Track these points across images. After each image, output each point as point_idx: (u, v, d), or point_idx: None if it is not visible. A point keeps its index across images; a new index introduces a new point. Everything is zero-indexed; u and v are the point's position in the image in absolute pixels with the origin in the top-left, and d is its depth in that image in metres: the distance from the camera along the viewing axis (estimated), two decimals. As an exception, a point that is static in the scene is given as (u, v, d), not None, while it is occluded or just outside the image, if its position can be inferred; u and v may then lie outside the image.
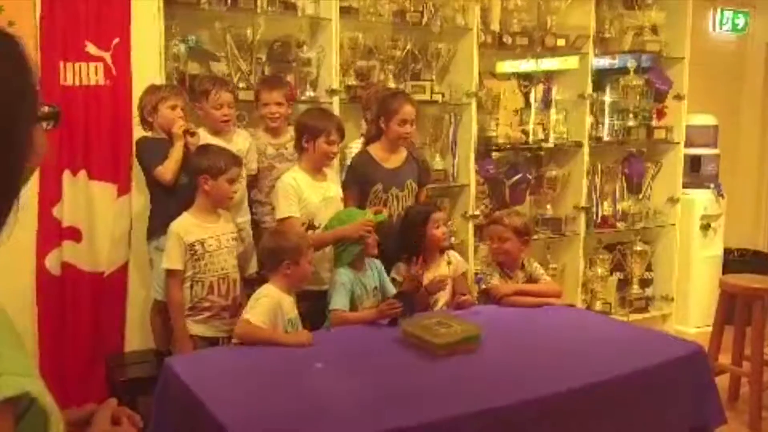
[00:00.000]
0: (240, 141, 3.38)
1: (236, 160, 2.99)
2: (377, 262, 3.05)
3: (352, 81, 3.95)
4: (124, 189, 3.36)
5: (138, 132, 3.27)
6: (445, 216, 3.18)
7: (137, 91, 3.28)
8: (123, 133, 3.32)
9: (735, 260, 5.39)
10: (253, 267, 3.30)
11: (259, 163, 3.44)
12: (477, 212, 4.27)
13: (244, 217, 3.37)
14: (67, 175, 3.27)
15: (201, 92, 3.28)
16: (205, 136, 3.27)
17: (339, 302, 2.88)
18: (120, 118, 3.32)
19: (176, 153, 3.08)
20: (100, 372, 3.37)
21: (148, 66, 3.31)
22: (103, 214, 3.34)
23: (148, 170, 3.14)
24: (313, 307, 3.02)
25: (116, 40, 3.30)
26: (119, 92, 3.32)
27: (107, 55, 3.30)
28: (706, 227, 5.18)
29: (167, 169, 3.07)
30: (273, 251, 2.73)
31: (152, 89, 3.20)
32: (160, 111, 3.14)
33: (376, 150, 3.38)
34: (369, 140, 3.44)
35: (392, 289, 3.02)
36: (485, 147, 4.42)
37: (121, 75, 3.32)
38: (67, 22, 3.21)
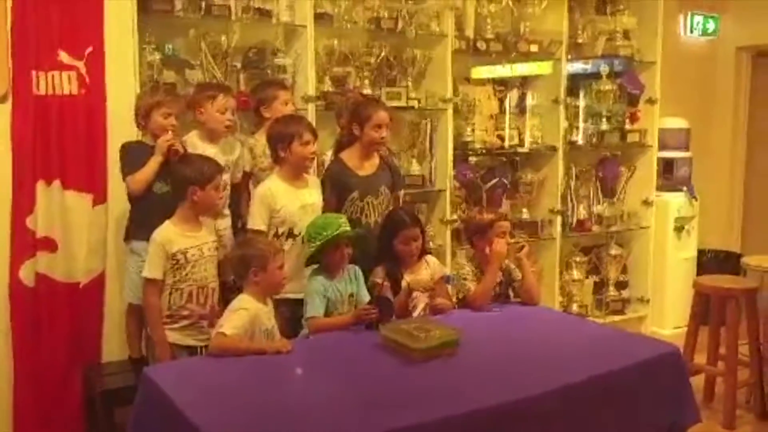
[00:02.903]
0: (228, 150, 3.36)
1: (219, 167, 2.98)
2: (356, 268, 3.04)
3: (328, 87, 3.96)
4: (100, 198, 3.33)
5: (113, 140, 3.26)
6: (416, 234, 3.14)
7: (112, 99, 3.27)
8: (98, 142, 3.30)
9: (709, 261, 5.47)
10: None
11: (260, 164, 3.44)
12: (454, 217, 4.29)
13: (226, 223, 3.37)
14: (40, 185, 3.23)
15: (207, 96, 3.24)
16: (195, 143, 3.25)
17: (313, 310, 2.87)
18: (95, 127, 3.30)
19: (151, 165, 3.06)
20: (77, 383, 3.34)
21: (122, 74, 3.29)
22: (78, 224, 3.31)
23: (123, 176, 3.13)
24: (293, 315, 3.01)
25: (89, 49, 3.28)
26: (94, 101, 3.29)
27: (80, 64, 3.27)
28: (680, 229, 5.25)
29: (136, 180, 3.06)
30: (240, 260, 2.75)
31: (149, 92, 3.19)
32: (152, 117, 3.11)
33: (349, 157, 3.38)
34: (341, 147, 3.45)
35: (366, 297, 3.01)
36: (462, 152, 4.45)
37: (95, 84, 3.29)
38: (39, 30, 3.18)
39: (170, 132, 3.12)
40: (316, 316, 2.87)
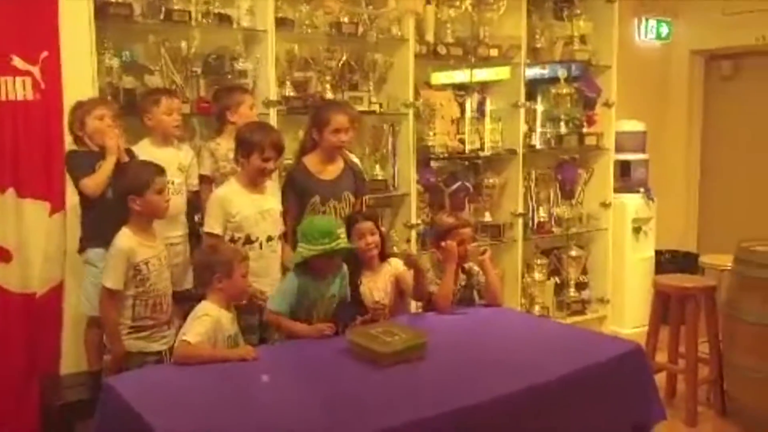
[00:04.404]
0: (182, 154, 3.38)
1: (158, 170, 2.93)
2: (344, 268, 2.99)
3: (289, 92, 3.94)
4: (57, 206, 3.26)
5: (70, 146, 3.19)
6: (370, 226, 3.12)
7: (69, 105, 3.20)
8: (55, 149, 3.23)
9: (666, 261, 5.57)
10: (189, 282, 3.25)
11: (222, 169, 3.43)
12: (418, 221, 4.30)
13: (181, 231, 3.34)
14: (-6, 193, 3.16)
15: (152, 101, 3.27)
16: (147, 148, 3.25)
17: (274, 304, 2.84)
18: (51, 133, 3.23)
19: (107, 166, 3.03)
20: (34, 396, 3.25)
21: (79, 80, 3.23)
22: (35, 233, 3.24)
23: (75, 182, 3.09)
24: (261, 320, 2.99)
25: (44, 54, 3.21)
26: (49, 107, 3.22)
27: (35, 69, 3.20)
28: (637, 230, 5.33)
29: (92, 182, 3.03)
30: (205, 265, 2.73)
31: (77, 104, 3.15)
32: (87, 123, 3.09)
33: (311, 162, 3.38)
34: (304, 152, 3.44)
35: (348, 295, 3.00)
36: (424, 156, 4.46)
37: (50, 89, 3.22)
38: (-9, 35, 3.11)
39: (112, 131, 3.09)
40: (277, 311, 2.83)
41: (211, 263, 2.70)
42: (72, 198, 3.21)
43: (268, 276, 3.09)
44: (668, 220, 5.82)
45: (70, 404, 3.06)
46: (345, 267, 3.00)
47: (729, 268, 3.92)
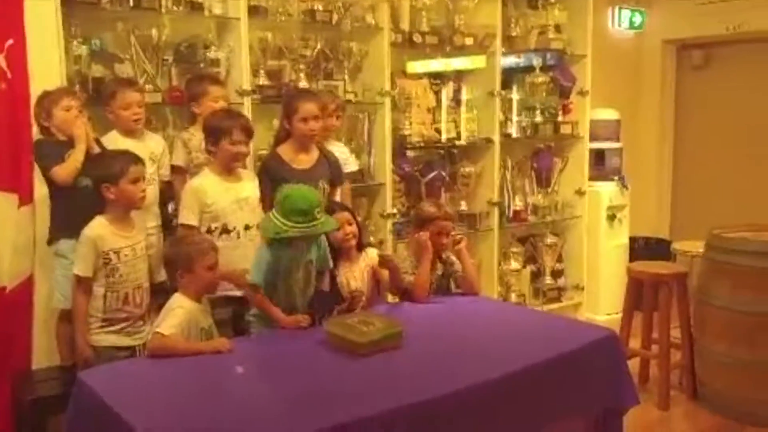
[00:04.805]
0: (153, 144, 3.34)
1: (133, 159, 2.89)
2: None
3: (263, 81, 3.90)
4: (26, 198, 3.18)
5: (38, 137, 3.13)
6: (347, 216, 3.10)
7: (36, 95, 3.13)
8: (22, 139, 3.15)
9: (640, 248, 5.62)
10: (163, 274, 3.21)
11: (196, 159, 3.39)
12: (394, 210, 4.29)
13: (154, 222, 3.30)
14: (-42, 186, 3.08)
15: (109, 95, 3.22)
16: (116, 139, 3.21)
17: (253, 277, 2.78)
18: (18, 123, 3.14)
19: (77, 155, 2.98)
20: (6, 391, 3.18)
21: (46, 69, 3.16)
22: (3, 226, 3.15)
23: (45, 171, 3.04)
24: (233, 312, 2.96)
25: (9, 42, 3.13)
26: (16, 97, 3.14)
27: (0, 58, 3.12)
28: (612, 218, 5.37)
29: (63, 171, 2.98)
30: (168, 260, 2.71)
31: (43, 95, 3.10)
32: (54, 114, 3.04)
33: (285, 151, 3.36)
34: (278, 141, 3.42)
35: (329, 264, 2.97)
36: (400, 145, 4.45)
37: (16, 78, 3.14)
38: (-47, 23, 3.03)
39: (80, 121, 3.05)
40: (255, 283, 2.78)
41: (172, 258, 2.68)
42: (40, 190, 3.15)
43: (247, 265, 3.05)
44: (642, 207, 5.87)
45: (43, 399, 3.02)
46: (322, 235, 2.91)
47: (700, 254, 3.96)
